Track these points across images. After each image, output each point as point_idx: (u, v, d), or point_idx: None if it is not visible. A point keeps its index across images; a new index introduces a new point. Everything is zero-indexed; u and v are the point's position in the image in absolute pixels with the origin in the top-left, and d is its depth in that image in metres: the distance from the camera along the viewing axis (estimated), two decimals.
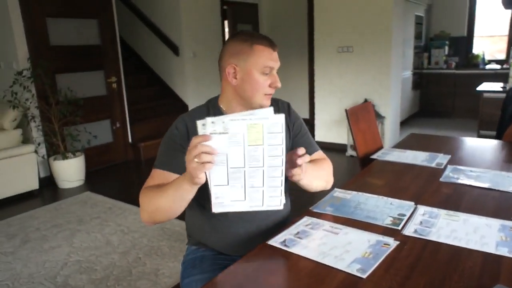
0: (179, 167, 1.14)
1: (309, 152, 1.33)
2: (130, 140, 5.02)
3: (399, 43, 4.87)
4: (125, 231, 2.99)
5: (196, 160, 0.93)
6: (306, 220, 1.28)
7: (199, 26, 5.80)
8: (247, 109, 1.23)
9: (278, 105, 1.38)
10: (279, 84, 1.22)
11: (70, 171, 3.99)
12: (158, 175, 1.19)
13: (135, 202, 3.52)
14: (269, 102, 1.24)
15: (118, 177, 4.48)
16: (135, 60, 6.13)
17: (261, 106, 1.23)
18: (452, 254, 1.04)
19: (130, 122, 5.04)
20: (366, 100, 4.72)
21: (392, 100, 4.76)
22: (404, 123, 6.08)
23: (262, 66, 1.18)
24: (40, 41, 4.01)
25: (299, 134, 1.38)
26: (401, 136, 5.21)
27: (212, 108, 1.28)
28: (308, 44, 6.64)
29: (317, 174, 1.29)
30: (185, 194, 1.04)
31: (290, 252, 1.09)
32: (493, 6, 6.72)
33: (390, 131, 4.81)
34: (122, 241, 2.83)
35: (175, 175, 1.15)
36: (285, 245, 1.13)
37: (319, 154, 1.43)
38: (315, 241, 1.14)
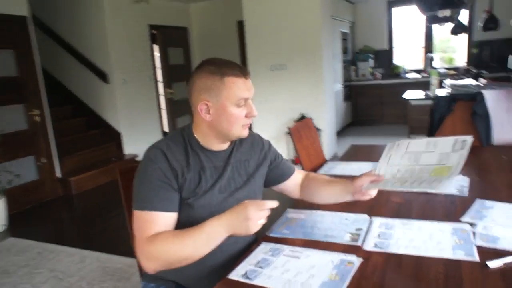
0: (173, 205, 1.12)
1: (291, 173, 1.41)
2: (59, 175, 4.64)
3: (329, 58, 5.07)
4: (59, 277, 2.70)
5: (260, 221, 0.98)
6: (264, 246, 1.22)
7: (128, 52, 5.61)
8: (225, 142, 1.21)
9: (255, 138, 1.36)
10: (255, 113, 1.17)
11: None
12: (153, 219, 1.09)
13: (69, 243, 3.23)
14: (247, 132, 1.21)
15: (48, 216, 4.09)
16: (61, 91, 5.75)
17: (239, 137, 1.20)
18: (415, 265, 1.03)
19: (59, 155, 4.67)
20: (303, 116, 4.82)
21: (327, 113, 4.91)
22: (339, 134, 6.30)
23: (236, 99, 1.12)
24: None
25: (276, 162, 1.39)
26: (338, 146, 5.38)
27: (188, 139, 1.19)
28: (241, 64, 6.73)
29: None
30: (218, 241, 1.04)
31: (254, 285, 1.01)
32: (409, 20, 7.30)
33: (327, 143, 4.95)
34: None
35: (170, 214, 1.12)
36: (247, 278, 1.05)
37: (298, 172, 1.45)
38: (278, 269, 1.08)
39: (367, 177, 1.20)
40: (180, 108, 6.70)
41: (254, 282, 1.03)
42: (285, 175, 1.40)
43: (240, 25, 6.23)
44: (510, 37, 6.07)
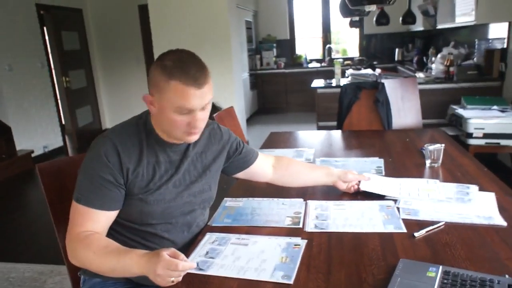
0: (111, 203, 1.07)
1: (254, 158, 1.42)
2: None
3: (237, 47, 5.12)
4: None
5: (172, 279, 0.88)
6: (209, 237, 1.22)
7: (12, 35, 5.00)
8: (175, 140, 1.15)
9: (214, 128, 1.33)
10: (198, 126, 1.06)
11: None
12: (87, 214, 1.05)
13: None
14: (194, 138, 1.12)
15: None
16: None
17: (184, 142, 1.15)
18: (354, 241, 1.13)
19: None
20: (213, 104, 4.81)
21: (237, 102, 4.98)
22: (247, 122, 6.44)
23: (176, 106, 1.02)
24: None
25: (237, 151, 1.38)
26: (248, 134, 5.51)
27: (145, 130, 1.12)
28: (144, 51, 6.46)
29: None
30: (131, 275, 0.97)
31: (209, 275, 1.01)
32: (308, 11, 7.71)
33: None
34: None
35: (108, 213, 1.07)
36: (200, 269, 1.05)
37: (264, 156, 1.47)
38: (229, 258, 1.09)
39: (358, 177, 1.47)
40: (79, 98, 6.20)
41: (208, 272, 1.03)
42: (249, 161, 1.41)
43: (142, 9, 5.97)
44: (396, 31, 6.78)
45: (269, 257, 1.08)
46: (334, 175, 1.47)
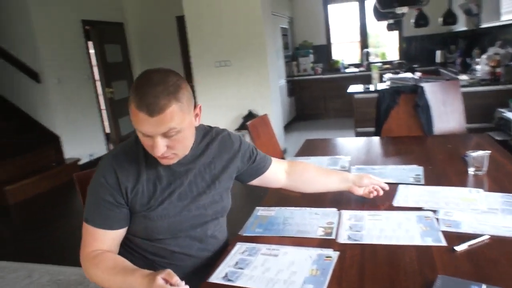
0: (114, 223, 1.10)
1: (267, 165, 1.39)
2: None
3: (273, 53, 5.13)
4: None
5: None
6: (240, 246, 1.21)
7: (61, 49, 5.28)
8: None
9: (224, 137, 1.28)
10: (156, 153, 1.03)
11: None
12: (94, 234, 1.10)
13: (11, 257, 2.99)
14: (166, 162, 1.08)
15: None
16: None
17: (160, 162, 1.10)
18: (389, 254, 1.08)
19: None
20: (250, 112, 4.85)
21: (274, 109, 4.98)
22: (285, 129, 6.42)
23: (138, 129, 1.02)
24: None
25: (251, 159, 1.34)
26: (286, 141, 5.48)
27: (144, 152, 1.12)
28: (182, 61, 6.61)
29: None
30: None
31: (237, 287, 1.00)
32: (344, 16, 7.61)
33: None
34: None
35: (113, 232, 1.10)
36: (229, 280, 1.04)
37: (277, 162, 1.43)
38: (258, 269, 1.08)
39: (375, 182, 1.43)
40: (122, 108, 6.43)
41: (237, 283, 1.02)
42: (262, 169, 1.38)
43: (180, 20, 6.11)
44: (436, 32, 6.53)
45: (299, 269, 1.05)
46: (348, 180, 1.44)
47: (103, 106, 6.22)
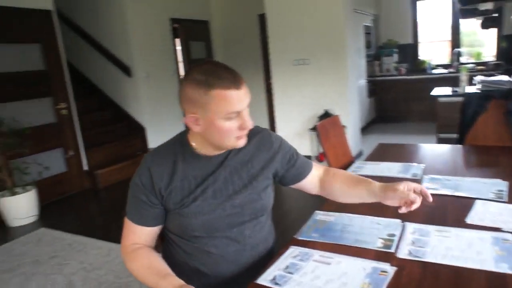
0: (148, 221, 1.15)
1: (308, 171, 1.32)
2: (86, 168, 4.73)
3: (353, 52, 4.97)
4: (88, 269, 2.76)
5: None
6: (293, 250, 1.19)
7: (150, 46, 5.64)
8: (221, 151, 1.15)
9: (263, 137, 1.25)
10: (249, 126, 1.07)
11: (21, 207, 3.67)
12: (131, 228, 1.17)
13: (96, 235, 3.29)
14: (243, 142, 1.11)
15: (76, 208, 4.18)
16: (86, 84, 5.85)
17: (234, 148, 1.13)
18: (454, 276, 0.99)
19: (85, 148, 4.76)
20: (326, 112, 4.75)
21: (351, 110, 4.82)
22: (363, 130, 6.19)
23: (224, 114, 1.02)
24: None
25: (290, 162, 1.28)
26: (362, 144, 5.29)
27: (181, 149, 1.15)
28: (262, 58, 6.69)
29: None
30: None
31: None
32: (434, 13, 7.10)
33: (352, 140, 4.86)
34: (85, 281, 2.60)
35: (147, 228, 1.16)
36: (276, 283, 1.03)
37: (316, 168, 1.35)
38: (308, 275, 1.05)
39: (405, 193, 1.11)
40: None
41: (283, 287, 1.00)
42: (303, 174, 1.31)
43: (261, 18, 6.17)
44: None
45: (351, 281, 1.01)
46: (375, 193, 1.19)
47: None
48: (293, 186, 1.35)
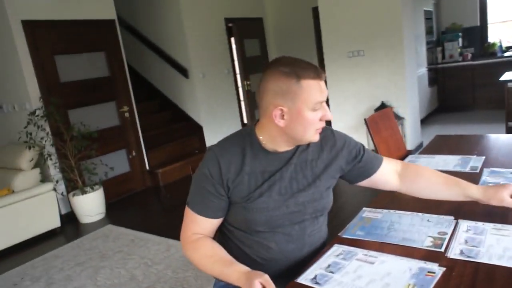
0: (213, 212, 1.16)
1: (377, 166, 1.29)
2: (147, 167, 4.99)
3: (411, 40, 4.72)
4: (148, 264, 2.91)
5: None
6: (336, 249, 1.17)
7: (206, 46, 5.79)
8: (293, 145, 1.17)
9: (326, 135, 1.25)
10: (330, 117, 1.12)
11: (90, 205, 3.96)
12: (193, 218, 1.18)
13: (157, 232, 3.46)
14: (318, 137, 1.15)
15: (138, 206, 4.42)
16: (146, 87, 6.15)
17: (311, 142, 1.15)
18: (510, 280, 0.91)
19: (146, 149, 5.01)
20: (383, 103, 4.58)
21: (409, 100, 4.60)
22: (424, 122, 5.88)
23: (313, 103, 1.07)
24: (50, 79, 4.03)
25: (356, 159, 1.27)
26: (423, 135, 5.03)
27: (250, 142, 1.16)
28: (316, 52, 6.58)
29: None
30: (228, 282, 1.07)
31: None
32: None
33: (411, 131, 4.64)
34: (146, 275, 2.74)
35: (210, 220, 1.17)
36: (316, 283, 1.02)
37: (389, 163, 1.33)
38: (349, 275, 1.02)
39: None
40: None
41: (323, 287, 0.99)
42: (371, 170, 1.29)
43: (316, 11, 6.05)
44: None
45: (394, 281, 0.96)
46: (475, 199, 1.23)
47: (242, 98, 6.64)
48: (364, 183, 1.33)
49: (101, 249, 3.28)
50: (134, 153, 4.82)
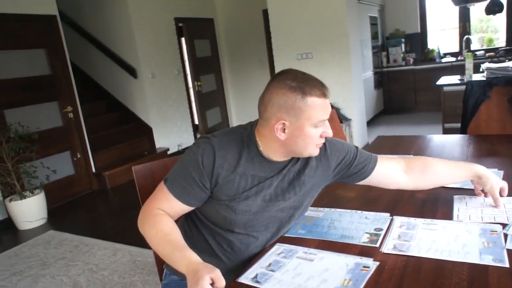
0: (190, 199, 1.12)
1: (369, 169, 1.28)
2: (93, 169, 4.79)
3: (357, 45, 4.91)
4: (93, 270, 2.79)
5: None
6: (277, 248, 1.18)
7: (155, 46, 5.67)
8: (290, 157, 1.16)
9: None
10: (330, 134, 1.11)
11: (30, 210, 3.74)
12: (167, 197, 1.12)
13: (103, 236, 3.33)
14: (318, 151, 1.14)
15: (84, 210, 4.24)
16: (93, 87, 5.91)
17: (310, 156, 1.14)
18: (436, 270, 0.96)
19: (92, 151, 4.81)
20: (331, 105, 4.70)
21: (356, 102, 4.77)
22: (370, 123, 6.13)
23: (317, 121, 1.06)
24: None
25: (348, 165, 1.27)
26: (369, 136, 5.24)
27: (248, 143, 1.13)
28: (267, 54, 6.66)
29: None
30: (175, 267, 1.01)
31: None
32: (442, 1, 6.95)
33: (357, 132, 4.82)
34: (91, 281, 2.63)
35: (183, 205, 1.12)
36: (257, 281, 1.02)
37: (389, 162, 1.32)
38: (289, 273, 1.04)
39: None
40: (208, 101, 6.71)
41: (263, 286, 0.99)
42: (364, 173, 1.28)
43: (266, 14, 6.13)
44: None
45: (331, 277, 0.99)
46: (473, 175, 1.30)
47: (192, 98, 6.56)
48: (364, 183, 1.32)
49: (42, 257, 3.10)
50: (79, 155, 4.62)
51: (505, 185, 1.27)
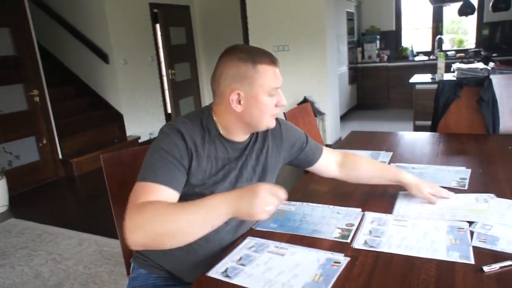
0: (177, 182, 1.04)
1: (316, 158, 1.38)
2: (60, 156, 4.63)
3: (333, 39, 4.93)
4: (57, 260, 2.70)
5: (269, 208, 0.91)
6: (249, 241, 1.16)
7: (129, 32, 5.50)
8: (248, 133, 1.17)
9: (273, 131, 1.27)
10: (285, 102, 1.14)
11: None
12: (152, 189, 0.99)
13: (68, 225, 3.22)
14: (274, 123, 1.17)
15: (48, 198, 4.09)
16: (62, 71, 5.68)
17: (267, 128, 1.16)
18: (404, 266, 0.97)
19: (59, 137, 4.64)
20: (305, 98, 4.72)
21: (330, 97, 4.80)
22: (343, 117, 6.19)
23: (269, 88, 1.08)
24: None
25: (299, 150, 1.35)
26: (342, 130, 5.29)
27: (207, 126, 1.13)
28: (244, 43, 6.59)
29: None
30: (218, 220, 0.91)
31: (233, 284, 0.96)
32: (418, 0, 7.08)
33: (330, 127, 4.86)
34: (54, 272, 2.54)
35: (173, 192, 1.02)
36: (227, 276, 1.00)
37: (329, 153, 1.41)
38: (260, 267, 1.02)
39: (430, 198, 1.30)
40: (182, 90, 6.60)
41: (233, 281, 0.97)
42: (312, 160, 1.38)
43: (243, 3, 6.06)
44: None
45: (302, 272, 0.98)
46: (401, 183, 1.35)
47: (166, 86, 6.43)
48: (307, 169, 1.43)
49: (1, 246, 2.97)
50: (44, 141, 4.44)
51: (437, 192, 1.30)
